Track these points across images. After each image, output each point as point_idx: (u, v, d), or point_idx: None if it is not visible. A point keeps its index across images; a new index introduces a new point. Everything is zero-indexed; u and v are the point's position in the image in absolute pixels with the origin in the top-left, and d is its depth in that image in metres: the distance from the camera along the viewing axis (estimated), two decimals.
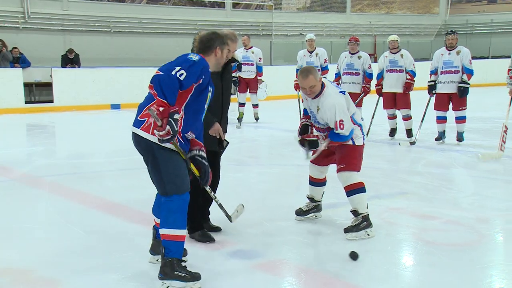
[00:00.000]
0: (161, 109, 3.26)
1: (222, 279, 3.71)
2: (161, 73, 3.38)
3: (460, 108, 8.72)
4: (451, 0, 25.05)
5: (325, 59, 10.38)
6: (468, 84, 8.61)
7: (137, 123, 3.50)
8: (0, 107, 13.51)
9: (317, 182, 4.87)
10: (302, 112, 5.03)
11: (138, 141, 3.52)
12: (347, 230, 4.47)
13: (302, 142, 4.66)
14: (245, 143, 9.60)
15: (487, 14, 24.38)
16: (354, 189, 4.50)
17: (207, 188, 3.85)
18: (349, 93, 9.06)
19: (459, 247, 4.31)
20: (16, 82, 14.00)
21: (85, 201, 5.74)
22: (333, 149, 4.67)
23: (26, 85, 14.25)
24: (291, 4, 21.01)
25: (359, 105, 9.01)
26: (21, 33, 15.85)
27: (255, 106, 11.61)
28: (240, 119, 11.40)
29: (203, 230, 4.49)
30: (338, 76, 9.68)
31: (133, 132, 3.52)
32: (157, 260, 3.79)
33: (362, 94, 9.23)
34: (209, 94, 3.72)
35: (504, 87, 7.93)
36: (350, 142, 4.55)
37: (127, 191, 6.04)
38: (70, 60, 15.75)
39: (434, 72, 8.85)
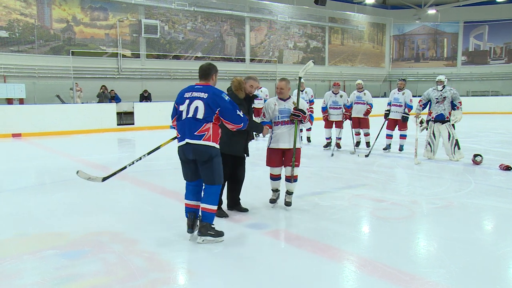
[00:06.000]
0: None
1: (242, 242, 3.74)
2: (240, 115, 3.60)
3: (403, 129, 8.74)
4: (392, 59, 25.14)
5: (311, 95, 10.38)
6: (408, 115, 8.65)
7: (198, 137, 3.50)
8: (101, 127, 13.70)
9: (277, 178, 4.64)
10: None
11: (196, 147, 3.50)
12: (289, 204, 4.55)
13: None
14: (258, 151, 9.62)
15: (414, 68, 24.68)
16: (297, 178, 4.54)
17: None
18: (335, 121, 8.93)
19: (399, 220, 4.31)
20: (112, 112, 14.15)
21: (153, 189, 5.80)
22: (288, 152, 4.50)
23: (118, 113, 14.40)
24: (289, 59, 21.03)
25: (341, 126, 9.00)
26: (116, 81, 16.03)
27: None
28: (257, 135, 11.35)
29: (221, 209, 4.42)
30: (325, 110, 9.10)
31: (192, 143, 3.50)
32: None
33: (345, 120, 9.00)
34: None
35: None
36: (300, 146, 4.53)
37: (179, 183, 6.07)
38: (145, 97, 15.89)
39: (389, 104, 8.84)
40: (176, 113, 3.72)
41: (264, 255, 3.43)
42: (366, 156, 8.16)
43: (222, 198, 4.51)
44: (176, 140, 3.84)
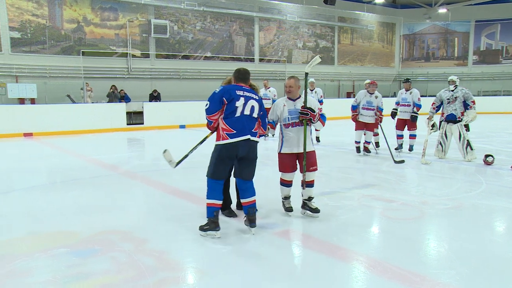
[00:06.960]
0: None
1: (251, 241, 3.73)
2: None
3: (412, 129, 8.71)
4: (402, 58, 24.96)
5: (321, 95, 10.33)
6: (417, 114, 8.59)
7: (255, 134, 3.78)
8: (111, 127, 13.81)
9: (290, 184, 4.40)
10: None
11: (253, 144, 3.75)
12: (318, 210, 4.27)
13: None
14: (266, 151, 9.62)
15: (424, 68, 24.47)
16: (314, 183, 4.33)
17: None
18: (366, 123, 8.26)
19: (409, 221, 4.27)
20: (121, 111, 14.25)
21: (163, 188, 5.82)
22: (302, 155, 4.19)
23: (128, 113, 14.48)
24: (298, 59, 20.99)
25: (372, 129, 8.33)
26: (126, 80, 16.13)
27: None
28: (266, 135, 11.32)
29: (230, 209, 4.42)
30: (355, 109, 8.29)
31: (252, 140, 3.73)
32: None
33: (380, 122, 8.17)
34: None
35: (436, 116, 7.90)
36: (313, 149, 4.27)
37: (188, 182, 6.10)
38: (154, 97, 15.98)
39: (397, 103, 8.81)
40: (220, 107, 3.71)
41: (273, 255, 3.42)
42: (398, 159, 7.66)
43: (232, 198, 4.53)
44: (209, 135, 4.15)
